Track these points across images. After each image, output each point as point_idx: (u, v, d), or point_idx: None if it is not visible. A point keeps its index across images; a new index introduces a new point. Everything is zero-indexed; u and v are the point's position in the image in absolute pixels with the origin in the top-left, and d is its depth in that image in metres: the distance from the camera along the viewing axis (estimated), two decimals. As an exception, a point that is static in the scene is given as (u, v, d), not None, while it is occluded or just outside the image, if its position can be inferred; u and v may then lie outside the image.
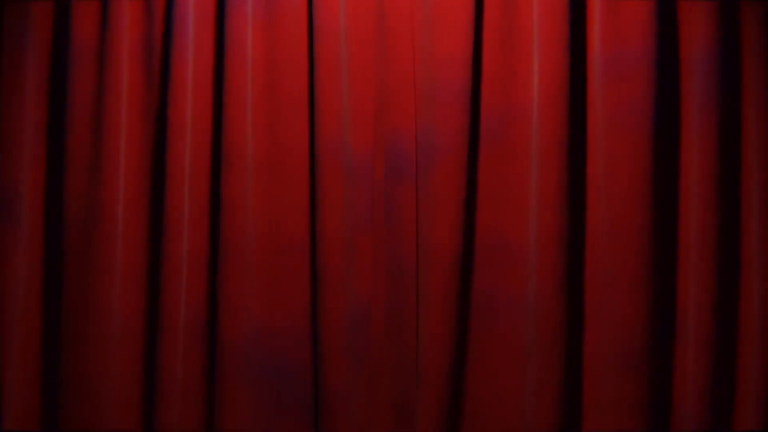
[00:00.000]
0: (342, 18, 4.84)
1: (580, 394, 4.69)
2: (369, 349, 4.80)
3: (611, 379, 4.64)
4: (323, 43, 4.84)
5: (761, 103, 4.68)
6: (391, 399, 4.78)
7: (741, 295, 4.64)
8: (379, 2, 4.87)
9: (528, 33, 4.83)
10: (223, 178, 4.87)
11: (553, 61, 4.74)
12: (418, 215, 4.83)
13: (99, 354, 4.87)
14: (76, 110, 4.91)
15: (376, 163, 4.86)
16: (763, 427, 4.62)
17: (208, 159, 4.88)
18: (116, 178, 4.89)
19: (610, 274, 4.67)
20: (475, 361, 4.77)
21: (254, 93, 4.88)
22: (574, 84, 4.79)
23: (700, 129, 4.67)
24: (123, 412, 4.80)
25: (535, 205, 4.75)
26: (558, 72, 4.74)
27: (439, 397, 4.75)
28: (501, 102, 4.81)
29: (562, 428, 4.69)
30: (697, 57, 4.70)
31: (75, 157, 4.91)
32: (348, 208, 4.85)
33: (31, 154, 4.88)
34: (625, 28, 4.75)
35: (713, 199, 4.66)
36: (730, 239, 4.67)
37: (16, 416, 4.93)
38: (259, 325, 4.80)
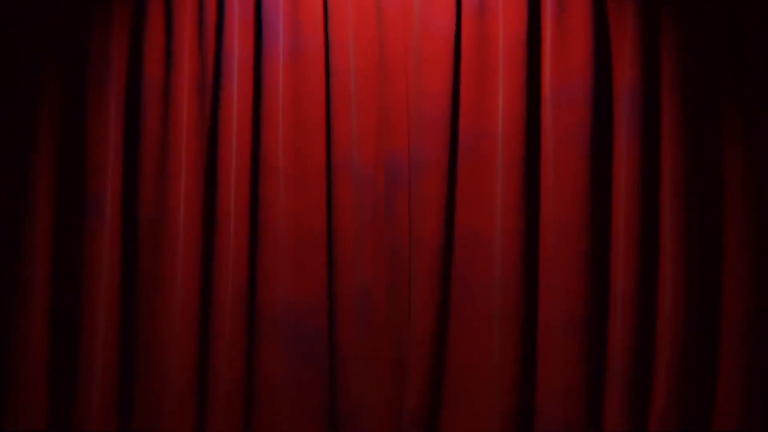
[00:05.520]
0: (352, 61, 5.08)
1: (535, 351, 4.93)
2: (372, 317, 5.02)
3: (560, 340, 4.88)
4: (337, 80, 5.08)
5: (676, 128, 4.87)
6: (389, 355, 5.00)
7: (659, 275, 4.85)
8: (380, 49, 5.08)
9: (494, 73, 5.03)
10: (260, 185, 5.10)
11: (514, 94, 4.97)
12: (410, 214, 5.06)
13: (165, 321, 5.09)
14: (147, 132, 5.14)
15: (377, 173, 5.06)
16: (678, 365, 4.77)
17: (248, 170, 5.11)
18: (178, 186, 5.13)
19: (559, 259, 4.91)
20: (454, 327, 5.00)
21: (284, 118, 5.08)
22: (530, 112, 5.00)
23: (627, 148, 4.90)
24: (183, 365, 5.04)
25: (500, 206, 4.97)
26: (518, 103, 4.97)
27: (427, 353, 4.98)
28: (474, 126, 5.02)
29: (521, 377, 4.91)
30: (626, 91, 4.91)
31: (146, 169, 5.15)
32: (356, 208, 5.06)
33: (113, 166, 5.12)
34: (570, 69, 4.96)
35: (637, 202, 4.88)
36: (651, 234, 4.89)
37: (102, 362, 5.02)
38: (288, 298, 5.02)
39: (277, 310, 5.08)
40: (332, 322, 5.07)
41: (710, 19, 4.96)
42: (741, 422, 4.78)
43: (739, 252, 4.85)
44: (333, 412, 5.03)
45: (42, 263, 5.09)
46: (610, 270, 4.95)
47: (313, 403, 5.01)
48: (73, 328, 5.15)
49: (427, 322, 5.03)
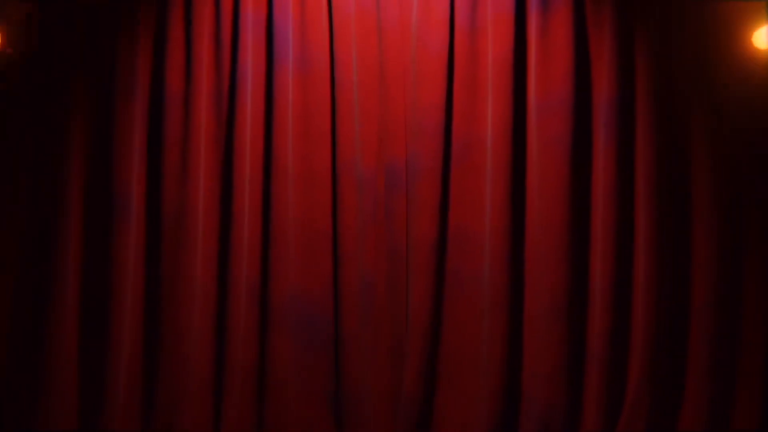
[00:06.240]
0: (355, 75, 5.26)
1: (521, 338, 5.10)
2: (373, 307, 5.16)
3: (543, 328, 5.04)
4: (341, 92, 5.26)
5: (649, 134, 5.04)
6: (389, 342, 5.15)
7: (634, 268, 5.02)
8: (381, 65, 5.26)
9: (484, 86, 5.20)
10: (271, 187, 5.26)
11: (502, 105, 5.15)
12: (408, 215, 5.22)
13: (185, 313, 5.23)
14: (168, 139, 5.31)
15: (378, 177, 5.21)
16: (651, 350, 4.91)
17: (260, 173, 5.26)
18: (197, 187, 5.28)
19: (543, 255, 5.08)
20: (447, 316, 5.16)
21: (293, 127, 5.24)
22: (517, 121, 5.17)
23: (605, 153, 5.07)
24: (201, 353, 5.17)
25: (489, 207, 5.14)
26: (505, 113, 5.15)
27: (422, 341, 5.13)
28: (465, 135, 5.19)
29: (508, 362, 5.07)
30: (604, 101, 5.09)
31: (168, 173, 5.32)
32: (359, 209, 5.22)
33: (138, 170, 5.29)
34: (553, 82, 5.12)
35: (614, 203, 5.06)
36: (626, 231, 5.07)
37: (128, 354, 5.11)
38: (297, 290, 5.18)
39: (286, 302, 5.23)
40: (337, 313, 5.24)
41: (679, 35, 5.15)
42: (708, 400, 4.98)
43: (706, 247, 5.03)
44: (337, 394, 5.18)
45: (74, 263, 5.22)
46: (589, 264, 5.13)
47: (319, 386, 5.16)
48: (101, 325, 5.27)
49: (424, 313, 5.20)
